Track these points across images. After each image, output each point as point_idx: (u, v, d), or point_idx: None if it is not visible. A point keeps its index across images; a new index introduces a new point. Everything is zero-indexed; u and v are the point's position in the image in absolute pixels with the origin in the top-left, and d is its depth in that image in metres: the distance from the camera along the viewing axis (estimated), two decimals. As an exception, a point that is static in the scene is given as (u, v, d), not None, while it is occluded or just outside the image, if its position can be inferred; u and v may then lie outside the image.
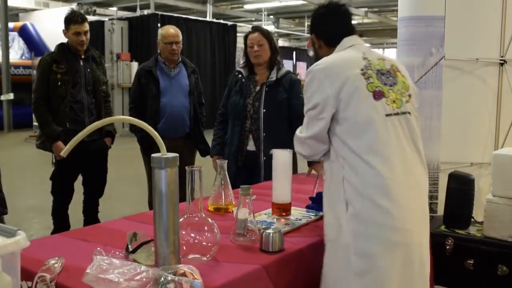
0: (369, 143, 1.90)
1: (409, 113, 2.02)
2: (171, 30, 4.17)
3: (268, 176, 2.75)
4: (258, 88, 3.50)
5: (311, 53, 2.27)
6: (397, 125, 1.97)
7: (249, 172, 3.49)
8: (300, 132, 2.12)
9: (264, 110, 3.44)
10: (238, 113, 3.49)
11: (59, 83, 3.91)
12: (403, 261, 1.91)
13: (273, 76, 3.46)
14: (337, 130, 1.96)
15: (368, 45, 2.18)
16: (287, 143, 3.40)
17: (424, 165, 2.06)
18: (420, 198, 2.01)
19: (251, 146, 3.49)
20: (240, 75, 3.56)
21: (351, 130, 1.93)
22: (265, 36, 3.46)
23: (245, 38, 3.53)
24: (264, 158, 3.41)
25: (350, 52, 2.06)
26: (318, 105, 1.97)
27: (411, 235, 1.93)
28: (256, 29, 3.51)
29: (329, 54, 2.10)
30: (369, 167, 1.89)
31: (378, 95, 1.95)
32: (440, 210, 3.74)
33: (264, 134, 3.44)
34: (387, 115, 1.95)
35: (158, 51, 4.24)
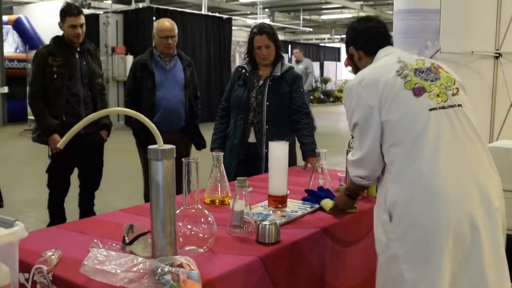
0: (413, 140, 1.87)
1: (459, 105, 1.97)
2: (167, 23, 4.15)
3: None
4: (261, 82, 3.52)
5: (349, 69, 2.28)
6: (445, 118, 1.92)
7: (250, 164, 3.52)
8: (352, 156, 2.11)
9: (267, 103, 3.46)
10: (241, 105, 3.51)
11: (55, 76, 3.90)
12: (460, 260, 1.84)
13: (278, 71, 3.50)
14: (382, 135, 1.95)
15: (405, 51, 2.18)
16: (288, 136, 3.47)
17: (487, 156, 1.97)
18: (477, 191, 1.87)
19: (252, 139, 3.51)
20: (243, 70, 3.57)
21: (394, 131, 1.91)
22: (271, 37, 3.45)
23: (251, 38, 3.47)
24: (266, 150, 3.43)
25: (385, 60, 2.07)
26: (362, 118, 1.97)
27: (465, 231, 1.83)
28: (263, 31, 3.45)
29: (367, 65, 2.11)
30: (415, 166, 1.86)
31: (418, 91, 1.92)
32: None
33: (266, 126, 3.46)
34: (431, 109, 1.91)
35: (153, 45, 4.23)
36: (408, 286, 1.85)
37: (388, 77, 1.94)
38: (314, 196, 2.51)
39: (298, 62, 12.15)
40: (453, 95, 1.98)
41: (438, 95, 1.93)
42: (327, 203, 2.40)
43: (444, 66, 2.11)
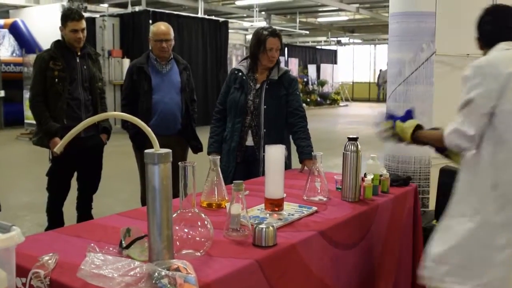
0: None
1: None
2: (162, 27, 4.16)
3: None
4: (258, 85, 3.52)
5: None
6: None
7: (248, 167, 3.52)
8: (460, 126, 2.17)
9: (264, 107, 3.47)
10: (239, 109, 3.51)
11: (56, 80, 3.91)
12: None
13: (275, 75, 3.51)
14: (494, 121, 2.11)
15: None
16: (285, 139, 3.48)
17: None
18: None
19: (249, 142, 3.52)
20: (240, 73, 3.57)
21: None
22: (281, 40, 3.52)
23: (264, 39, 3.44)
24: (264, 153, 3.43)
25: (506, 52, 2.21)
26: (480, 96, 2.11)
27: None
28: (276, 33, 3.49)
29: (485, 54, 2.27)
30: None
31: None
32: (432, 205, 3.77)
33: (264, 130, 3.47)
34: None
35: (150, 48, 4.23)
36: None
37: (510, 70, 2.11)
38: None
39: None
40: None
41: None
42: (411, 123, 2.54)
43: None
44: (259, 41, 3.47)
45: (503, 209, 2.11)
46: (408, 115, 2.61)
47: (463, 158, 2.27)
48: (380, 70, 27.88)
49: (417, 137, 2.50)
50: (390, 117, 2.66)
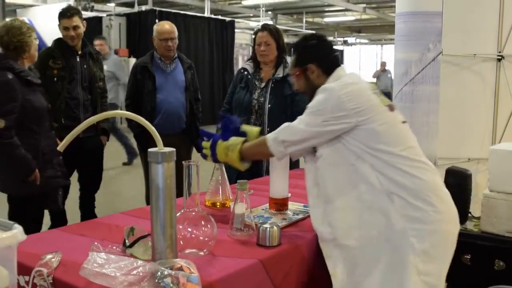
0: (406, 145, 2.03)
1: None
2: (166, 26, 4.15)
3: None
4: (263, 84, 3.52)
5: (297, 84, 2.26)
6: (409, 130, 2.13)
7: (252, 167, 3.51)
8: (299, 125, 2.09)
9: (269, 106, 3.46)
10: (243, 108, 3.51)
11: (55, 78, 3.88)
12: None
13: (280, 73, 3.50)
14: (360, 138, 1.99)
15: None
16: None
17: None
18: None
19: None
20: (245, 72, 3.57)
21: (381, 137, 1.98)
22: (273, 35, 3.47)
23: (255, 34, 3.54)
24: None
25: (353, 77, 2.15)
26: (334, 118, 1.99)
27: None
28: (265, 27, 3.50)
29: (324, 82, 2.13)
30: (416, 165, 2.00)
31: (390, 108, 2.07)
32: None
33: (268, 129, 3.46)
34: (403, 122, 2.11)
35: (154, 47, 4.23)
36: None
37: (369, 92, 2.05)
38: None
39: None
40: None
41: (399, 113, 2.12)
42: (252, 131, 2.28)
43: None
44: (254, 37, 3.53)
45: None
46: (227, 127, 2.27)
47: None
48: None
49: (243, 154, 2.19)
50: (208, 135, 2.28)
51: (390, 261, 1.93)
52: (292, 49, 2.32)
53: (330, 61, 2.20)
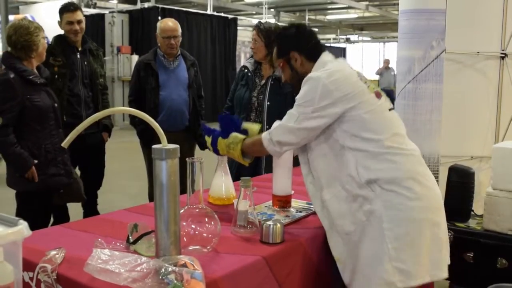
0: (391, 132, 2.05)
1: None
2: (169, 23, 4.14)
3: (269, 169, 2.76)
4: (263, 82, 3.52)
5: (284, 75, 2.28)
6: (397, 117, 2.17)
7: (251, 164, 3.51)
8: (289, 123, 2.09)
9: (268, 103, 3.47)
10: (243, 105, 3.52)
11: (56, 76, 3.87)
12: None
13: (278, 71, 3.50)
14: (346, 127, 2.02)
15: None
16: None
17: None
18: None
19: None
20: (246, 70, 3.58)
21: (367, 125, 2.01)
22: (261, 33, 3.47)
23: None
24: None
25: (339, 63, 2.16)
26: (322, 107, 2.00)
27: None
28: (256, 25, 3.54)
29: (310, 69, 2.15)
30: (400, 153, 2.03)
31: (377, 95, 2.09)
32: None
33: (267, 126, 3.46)
34: (390, 109, 2.13)
35: (158, 44, 4.23)
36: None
37: (355, 79, 2.07)
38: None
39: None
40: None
41: (386, 100, 2.14)
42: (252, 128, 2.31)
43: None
44: None
45: None
46: (227, 127, 2.29)
47: None
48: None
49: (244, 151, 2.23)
50: (209, 131, 2.33)
51: (371, 247, 1.99)
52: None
53: (312, 47, 2.21)
